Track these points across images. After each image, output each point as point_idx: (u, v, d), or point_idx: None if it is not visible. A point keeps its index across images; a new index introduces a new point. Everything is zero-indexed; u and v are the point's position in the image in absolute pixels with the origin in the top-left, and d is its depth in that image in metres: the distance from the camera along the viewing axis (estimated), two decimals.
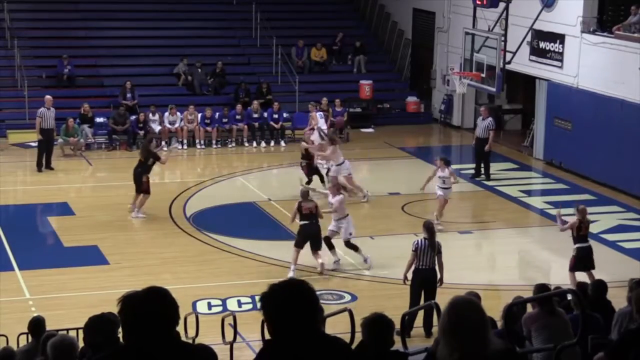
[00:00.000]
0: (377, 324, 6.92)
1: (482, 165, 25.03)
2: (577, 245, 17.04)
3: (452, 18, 30.73)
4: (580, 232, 17.13)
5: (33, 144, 26.11)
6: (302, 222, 17.73)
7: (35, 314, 12.56)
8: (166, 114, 28.38)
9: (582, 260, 16.91)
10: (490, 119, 25.10)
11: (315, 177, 23.05)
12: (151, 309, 4.17)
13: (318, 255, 17.74)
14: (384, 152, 27.60)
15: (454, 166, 27.27)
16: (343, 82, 32.37)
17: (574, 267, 16.88)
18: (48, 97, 25.82)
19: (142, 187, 21.13)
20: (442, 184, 20.74)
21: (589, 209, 22.53)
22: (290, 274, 17.30)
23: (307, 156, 22.90)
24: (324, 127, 24.95)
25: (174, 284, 16.89)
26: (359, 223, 21.23)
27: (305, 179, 22.56)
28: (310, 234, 17.65)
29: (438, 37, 31.99)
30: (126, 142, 27.81)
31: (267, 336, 4.26)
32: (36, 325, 10.40)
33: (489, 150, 24.81)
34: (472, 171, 25.19)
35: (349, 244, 18.18)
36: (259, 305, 4.26)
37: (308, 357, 4.17)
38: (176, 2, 33.22)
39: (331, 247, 18.16)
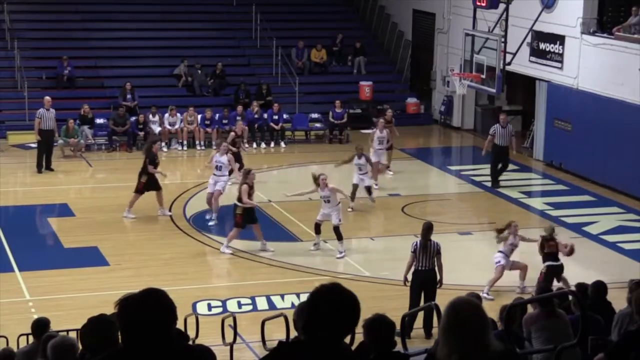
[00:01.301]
0: (378, 325, 6.91)
1: (499, 169, 24.42)
2: (548, 264, 16.59)
3: (452, 19, 30.74)
4: (544, 250, 16.67)
5: (33, 145, 26.09)
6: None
7: (35, 315, 12.57)
8: (166, 115, 28.39)
9: (551, 277, 16.39)
10: (510, 125, 24.84)
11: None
12: (148, 312, 4.16)
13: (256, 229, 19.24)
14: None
15: (454, 167, 27.38)
16: (343, 83, 32.39)
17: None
18: (47, 98, 25.82)
19: (137, 185, 21.19)
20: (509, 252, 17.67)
21: (589, 210, 22.68)
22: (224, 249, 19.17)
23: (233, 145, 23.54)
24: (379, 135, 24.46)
25: (174, 285, 16.90)
26: (359, 224, 21.28)
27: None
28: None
29: (438, 38, 32.00)
30: (126, 144, 27.82)
31: (267, 337, 4.26)
32: (39, 326, 10.38)
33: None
34: (487, 178, 24.79)
35: (336, 230, 18.92)
36: (305, 303, 4.24)
37: (310, 359, 4.18)
38: (176, 3, 33.24)
39: (318, 232, 19.22)
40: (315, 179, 19.21)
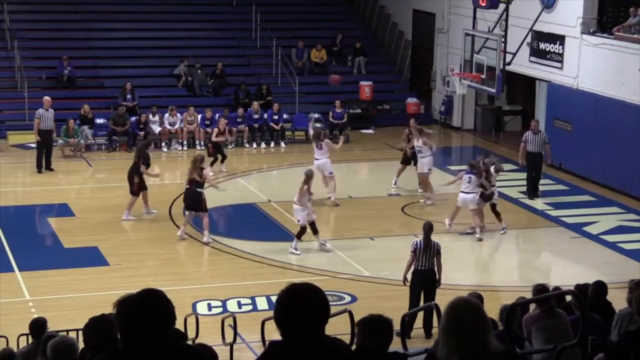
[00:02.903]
0: (374, 325, 6.90)
1: (533, 178, 23.64)
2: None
3: (452, 19, 30.74)
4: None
5: (33, 145, 26.05)
6: (186, 186, 19.96)
7: (35, 315, 12.57)
8: (166, 115, 28.39)
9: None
10: (542, 132, 23.83)
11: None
12: (146, 312, 4.16)
13: (191, 215, 19.90)
14: (384, 153, 27.57)
15: (454, 167, 27.36)
16: (343, 83, 32.36)
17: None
18: (46, 98, 25.76)
19: (132, 188, 21.18)
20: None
21: (590, 210, 22.71)
22: (179, 233, 19.89)
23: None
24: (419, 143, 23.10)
25: (173, 285, 16.91)
26: (359, 224, 21.26)
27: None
28: (187, 197, 19.78)
29: (438, 38, 32.00)
30: (126, 144, 27.81)
31: (267, 337, 4.27)
32: (37, 326, 10.39)
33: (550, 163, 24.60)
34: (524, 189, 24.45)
35: (314, 224, 19.20)
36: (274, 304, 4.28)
37: (310, 359, 4.18)
38: (176, 3, 33.24)
39: (315, 232, 19.32)
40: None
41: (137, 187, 21.17)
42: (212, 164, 24.38)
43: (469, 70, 24.69)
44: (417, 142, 22.94)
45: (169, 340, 4.20)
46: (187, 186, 19.79)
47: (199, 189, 19.54)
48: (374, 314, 6.89)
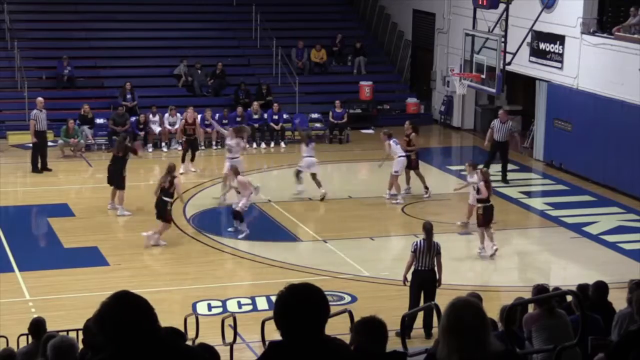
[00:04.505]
0: (370, 326, 6.92)
1: (492, 162, 24.86)
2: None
3: (452, 19, 30.74)
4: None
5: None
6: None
7: (35, 315, 12.56)
8: (166, 115, 28.38)
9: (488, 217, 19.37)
10: (510, 122, 25.21)
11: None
12: (124, 319, 4.10)
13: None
14: (384, 153, 27.55)
15: (454, 167, 27.39)
16: (343, 83, 32.38)
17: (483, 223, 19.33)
18: (39, 99, 25.57)
19: (121, 183, 21.27)
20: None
21: (589, 210, 22.72)
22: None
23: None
24: (400, 152, 23.25)
25: (174, 285, 16.91)
26: (359, 224, 21.25)
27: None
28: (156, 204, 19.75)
29: (438, 38, 32.00)
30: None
31: (267, 337, 4.27)
32: (36, 326, 10.40)
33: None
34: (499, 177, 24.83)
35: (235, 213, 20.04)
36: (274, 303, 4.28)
37: (311, 359, 4.19)
38: (176, 3, 33.25)
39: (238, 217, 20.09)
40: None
41: (124, 180, 21.40)
42: (183, 159, 24.94)
43: (469, 70, 24.70)
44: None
45: (162, 339, 4.16)
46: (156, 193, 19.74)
47: (165, 198, 19.47)
48: (366, 316, 6.92)
